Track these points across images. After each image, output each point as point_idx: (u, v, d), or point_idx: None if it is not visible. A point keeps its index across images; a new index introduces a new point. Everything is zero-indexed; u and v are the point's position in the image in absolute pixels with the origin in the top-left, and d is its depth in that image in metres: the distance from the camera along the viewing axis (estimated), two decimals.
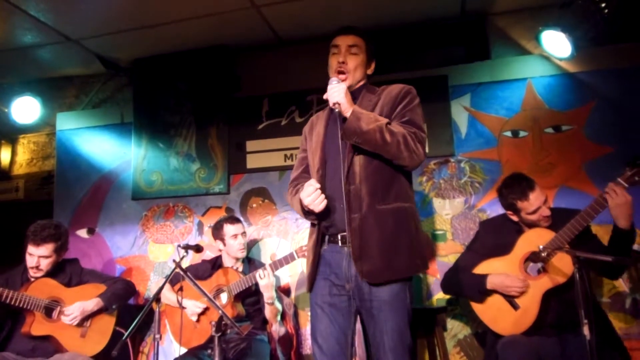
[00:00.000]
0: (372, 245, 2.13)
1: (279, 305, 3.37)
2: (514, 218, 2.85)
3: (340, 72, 2.28)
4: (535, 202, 2.72)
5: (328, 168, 2.26)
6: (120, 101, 4.61)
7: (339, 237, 2.21)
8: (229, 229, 3.48)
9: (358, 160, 2.20)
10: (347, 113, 2.12)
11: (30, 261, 3.23)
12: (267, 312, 3.35)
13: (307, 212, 2.24)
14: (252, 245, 4.03)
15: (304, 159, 2.50)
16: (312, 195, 2.13)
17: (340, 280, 2.20)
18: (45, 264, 3.25)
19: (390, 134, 2.10)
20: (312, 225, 2.33)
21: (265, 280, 3.22)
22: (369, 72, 2.41)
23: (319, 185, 2.15)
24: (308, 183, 2.16)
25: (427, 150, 3.64)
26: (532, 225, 2.78)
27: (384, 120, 2.14)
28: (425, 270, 2.32)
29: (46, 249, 3.23)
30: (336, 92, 2.14)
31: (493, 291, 2.76)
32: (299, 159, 2.55)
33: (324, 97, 2.23)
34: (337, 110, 2.13)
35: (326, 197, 2.18)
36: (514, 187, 2.79)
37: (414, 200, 2.32)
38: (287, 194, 2.52)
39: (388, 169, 2.20)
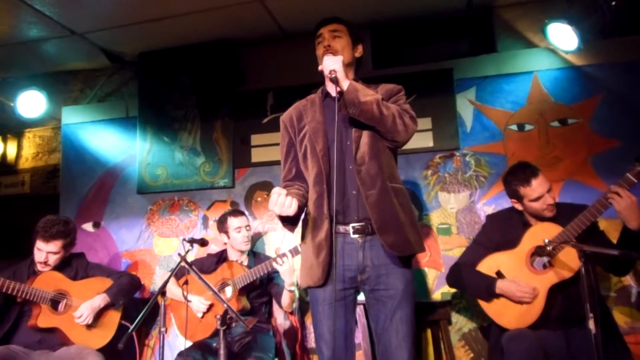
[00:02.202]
0: (392, 219, 2.15)
1: (297, 292, 3.38)
2: (518, 207, 2.83)
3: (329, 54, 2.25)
4: (537, 189, 2.70)
5: (332, 153, 2.23)
6: (126, 95, 4.61)
7: (351, 227, 2.18)
8: (232, 222, 3.49)
9: (365, 140, 2.20)
10: (345, 83, 2.12)
11: (38, 256, 3.25)
12: (286, 298, 3.34)
13: (283, 220, 2.19)
14: (256, 238, 4.03)
15: (289, 153, 2.40)
16: (279, 201, 2.03)
17: (351, 271, 2.18)
18: (53, 260, 3.27)
19: (385, 107, 2.15)
20: (315, 215, 2.23)
21: (286, 266, 3.19)
22: (357, 54, 2.39)
23: (283, 191, 2.06)
24: (273, 191, 2.05)
25: (432, 144, 3.75)
26: (536, 215, 2.77)
27: (379, 95, 2.18)
28: (423, 250, 2.32)
29: (55, 245, 3.24)
30: (332, 61, 2.14)
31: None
32: (284, 154, 2.42)
33: (319, 68, 2.23)
34: (333, 76, 2.10)
35: (331, 182, 2.17)
36: (517, 174, 2.80)
37: None
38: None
39: (387, 151, 2.24)
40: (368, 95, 2.12)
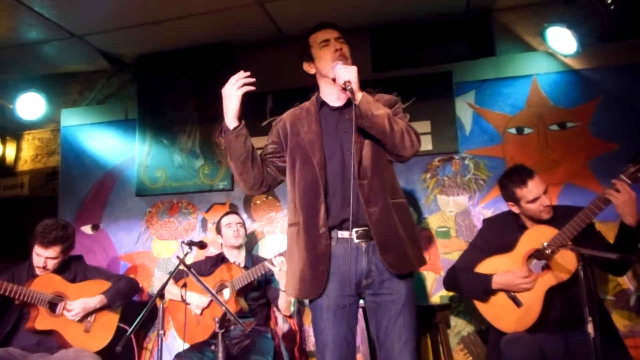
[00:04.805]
0: (393, 237, 2.14)
1: None
2: (515, 210, 2.84)
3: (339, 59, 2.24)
4: (534, 190, 2.71)
5: (331, 165, 2.22)
6: (125, 97, 4.61)
7: (354, 232, 2.16)
8: (224, 220, 3.59)
9: (367, 154, 2.19)
10: (358, 95, 2.11)
11: (37, 261, 3.25)
12: (283, 301, 3.37)
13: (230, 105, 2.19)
14: (255, 241, 4.03)
15: (273, 148, 2.39)
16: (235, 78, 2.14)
17: (354, 277, 2.16)
18: (52, 265, 3.27)
19: (395, 122, 2.14)
20: (310, 226, 2.18)
21: (282, 267, 3.21)
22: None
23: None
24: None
25: (431, 147, 3.75)
26: (533, 217, 2.77)
27: (389, 110, 2.17)
28: (425, 263, 2.32)
29: (54, 251, 3.24)
30: (348, 71, 2.11)
31: (498, 290, 2.75)
32: (268, 144, 2.42)
33: (330, 76, 2.22)
34: (348, 88, 2.08)
35: (332, 196, 2.17)
36: (513, 176, 2.81)
37: None
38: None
39: (389, 166, 2.26)
40: (380, 108, 2.12)
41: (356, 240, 2.17)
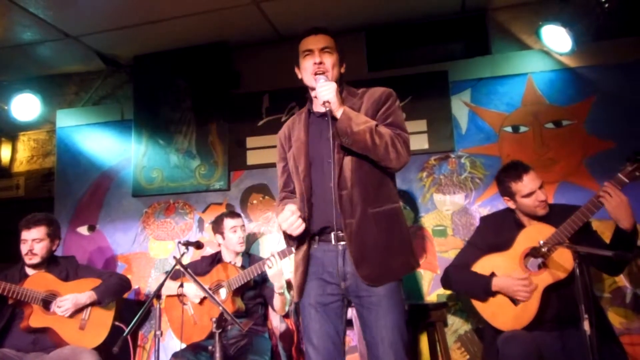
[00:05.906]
0: (370, 249, 2.13)
1: (288, 295, 3.37)
2: (511, 205, 2.84)
3: (319, 73, 2.22)
4: (529, 184, 2.72)
5: (314, 173, 2.23)
6: (120, 98, 4.61)
7: (332, 235, 2.17)
8: (228, 222, 3.50)
9: (348, 164, 2.17)
10: (338, 112, 2.11)
11: (24, 248, 3.26)
12: (277, 302, 3.34)
13: (286, 235, 2.24)
14: (252, 241, 4.03)
15: (284, 168, 2.43)
16: (289, 220, 2.11)
17: (334, 278, 2.18)
18: (39, 248, 3.26)
19: (379, 136, 2.10)
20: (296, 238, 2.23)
21: (274, 269, 3.18)
22: (342, 70, 2.36)
23: (297, 212, 2.12)
24: (287, 207, 2.12)
25: (427, 146, 3.75)
26: (529, 213, 2.78)
27: (373, 122, 2.14)
28: (417, 267, 2.32)
29: (38, 231, 3.26)
30: (327, 90, 2.11)
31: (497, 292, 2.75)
32: (279, 169, 2.46)
33: (313, 95, 2.26)
34: (327, 109, 2.10)
35: (315, 203, 2.19)
36: (508, 171, 2.83)
37: (399, 199, 2.32)
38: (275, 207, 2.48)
39: (376, 171, 2.20)
40: (361, 124, 2.10)
41: (333, 242, 2.18)
